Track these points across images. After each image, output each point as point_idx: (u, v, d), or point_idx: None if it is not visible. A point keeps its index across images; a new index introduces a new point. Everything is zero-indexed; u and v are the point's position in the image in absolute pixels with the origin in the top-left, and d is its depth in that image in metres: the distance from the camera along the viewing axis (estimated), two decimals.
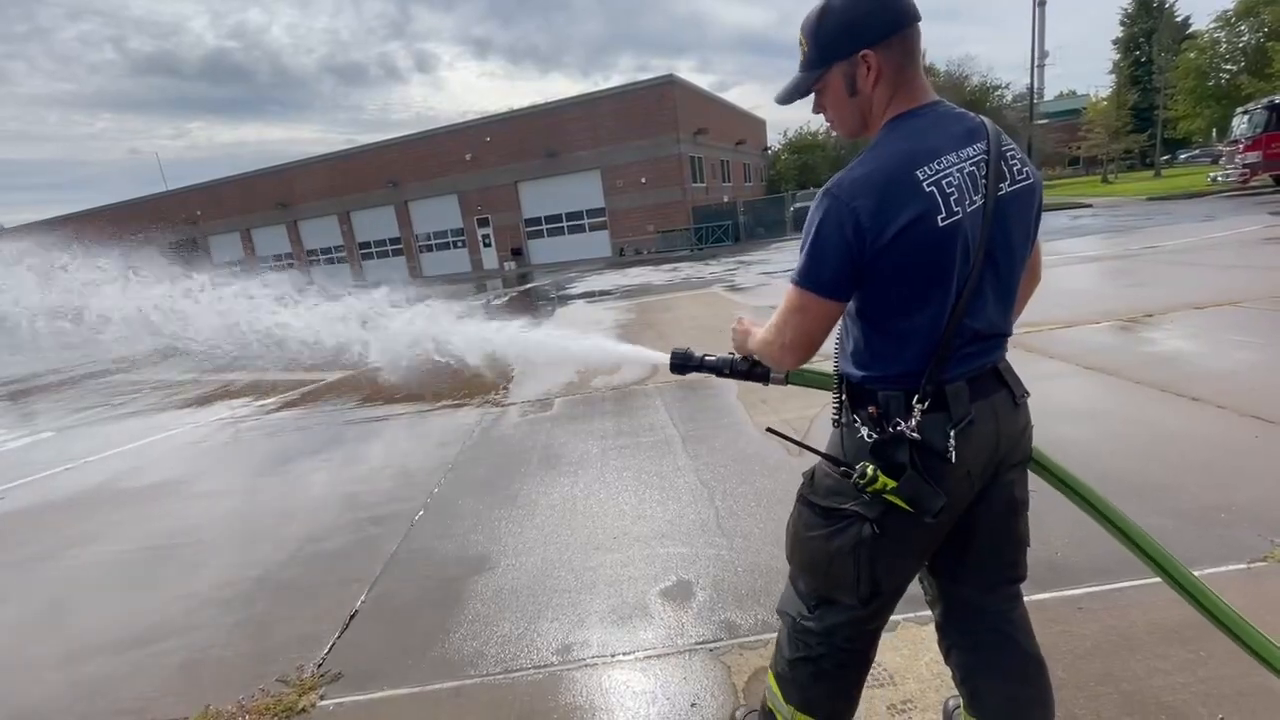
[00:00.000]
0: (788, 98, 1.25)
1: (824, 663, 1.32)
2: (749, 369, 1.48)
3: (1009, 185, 1.13)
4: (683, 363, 1.61)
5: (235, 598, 2.93)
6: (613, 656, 2.18)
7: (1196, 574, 1.33)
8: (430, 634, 2.43)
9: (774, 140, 45.59)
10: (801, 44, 1.19)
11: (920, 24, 1.13)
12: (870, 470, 1.11)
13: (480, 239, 31.21)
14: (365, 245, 34.19)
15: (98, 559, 3.61)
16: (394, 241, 33.36)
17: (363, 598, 2.76)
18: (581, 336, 2.15)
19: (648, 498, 3.37)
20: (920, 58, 1.16)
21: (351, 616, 2.63)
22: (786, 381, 1.48)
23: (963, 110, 1.17)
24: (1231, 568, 2.17)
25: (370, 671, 2.26)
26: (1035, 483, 1.36)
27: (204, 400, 7.95)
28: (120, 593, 3.18)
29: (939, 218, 1.05)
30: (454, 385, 6.61)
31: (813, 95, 1.23)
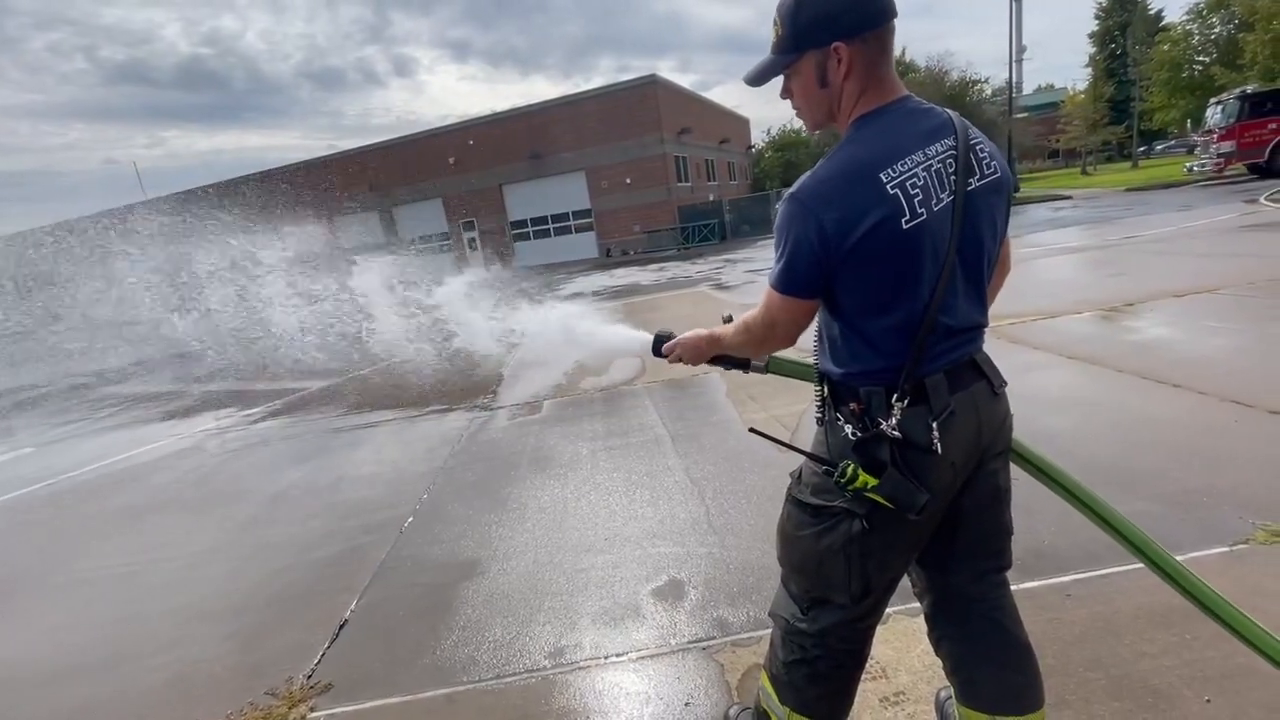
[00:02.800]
0: (757, 78, 1.24)
1: (819, 664, 1.32)
2: (731, 356, 1.49)
3: (978, 180, 1.13)
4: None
5: (223, 610, 2.89)
6: (605, 658, 2.17)
7: (1180, 558, 1.35)
8: (421, 641, 2.41)
9: (758, 138, 45.83)
10: (776, 24, 1.16)
11: (894, 23, 1.12)
12: (850, 469, 1.11)
13: (466, 242, 31.07)
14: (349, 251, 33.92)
15: (81, 576, 3.55)
16: (379, 248, 33.12)
17: (352, 606, 2.73)
18: (585, 317, 2.13)
19: (638, 498, 3.37)
20: (892, 55, 1.15)
21: (341, 626, 2.60)
22: (766, 370, 1.49)
23: (930, 105, 1.17)
24: (1214, 551, 2.19)
25: (361, 681, 2.24)
26: (1018, 473, 1.37)
27: (188, 412, 7.84)
28: (105, 608, 3.12)
29: (903, 220, 1.05)
30: (441, 390, 6.57)
31: (782, 80, 1.22)
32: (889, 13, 1.11)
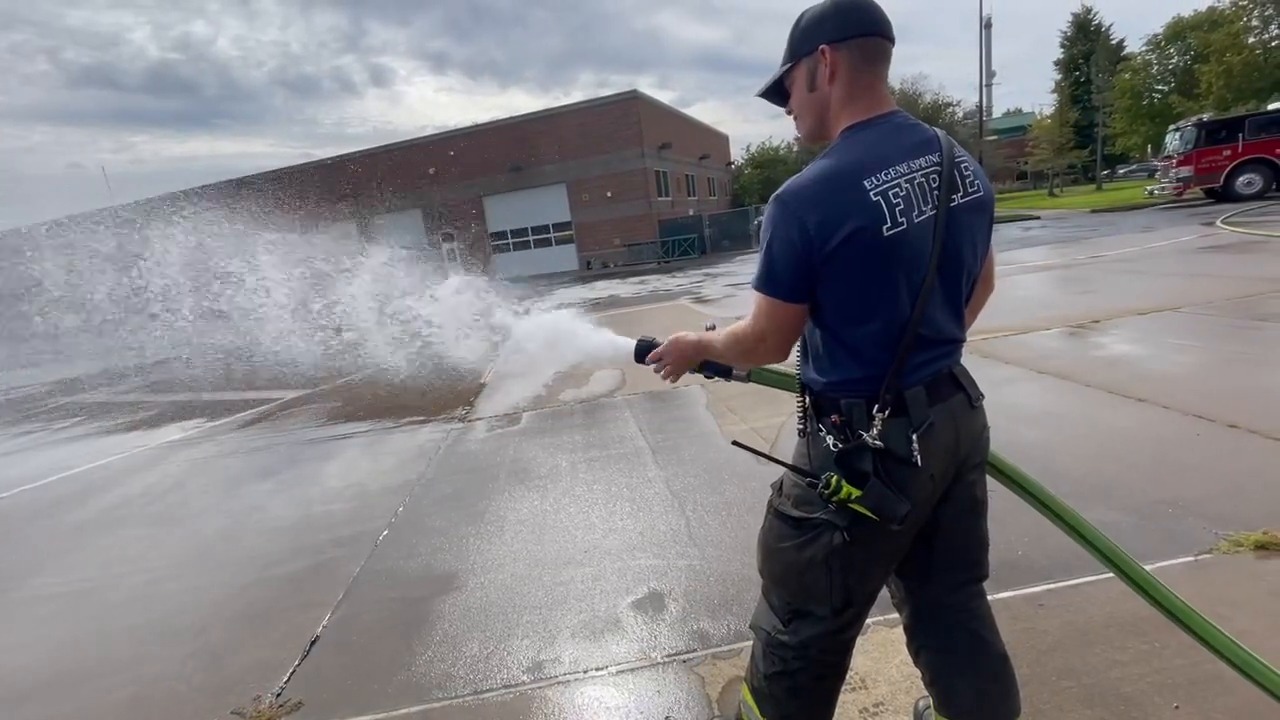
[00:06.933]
0: (764, 90, 1.32)
1: (800, 677, 1.32)
2: (713, 362, 1.50)
3: (961, 197, 1.15)
4: (648, 352, 1.60)
5: (187, 627, 2.79)
6: (585, 672, 2.14)
7: (1148, 567, 1.38)
8: (396, 657, 2.35)
9: (737, 155, 46.50)
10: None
11: (888, 44, 1.17)
12: (834, 480, 1.12)
13: (445, 253, 30.84)
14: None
15: (38, 592, 3.40)
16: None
17: (324, 622, 2.66)
18: (564, 318, 2.12)
19: (618, 510, 3.35)
20: (884, 72, 1.19)
21: (313, 642, 2.53)
22: (748, 379, 1.49)
23: (919, 122, 1.20)
24: (1180, 560, 2.25)
25: (333, 699, 2.18)
26: (993, 484, 1.40)
27: (154, 422, 7.61)
28: (63, 626, 2.99)
29: (884, 227, 1.07)
30: (419, 401, 6.48)
31: (790, 99, 1.28)
32: (877, 26, 1.15)
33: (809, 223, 1.07)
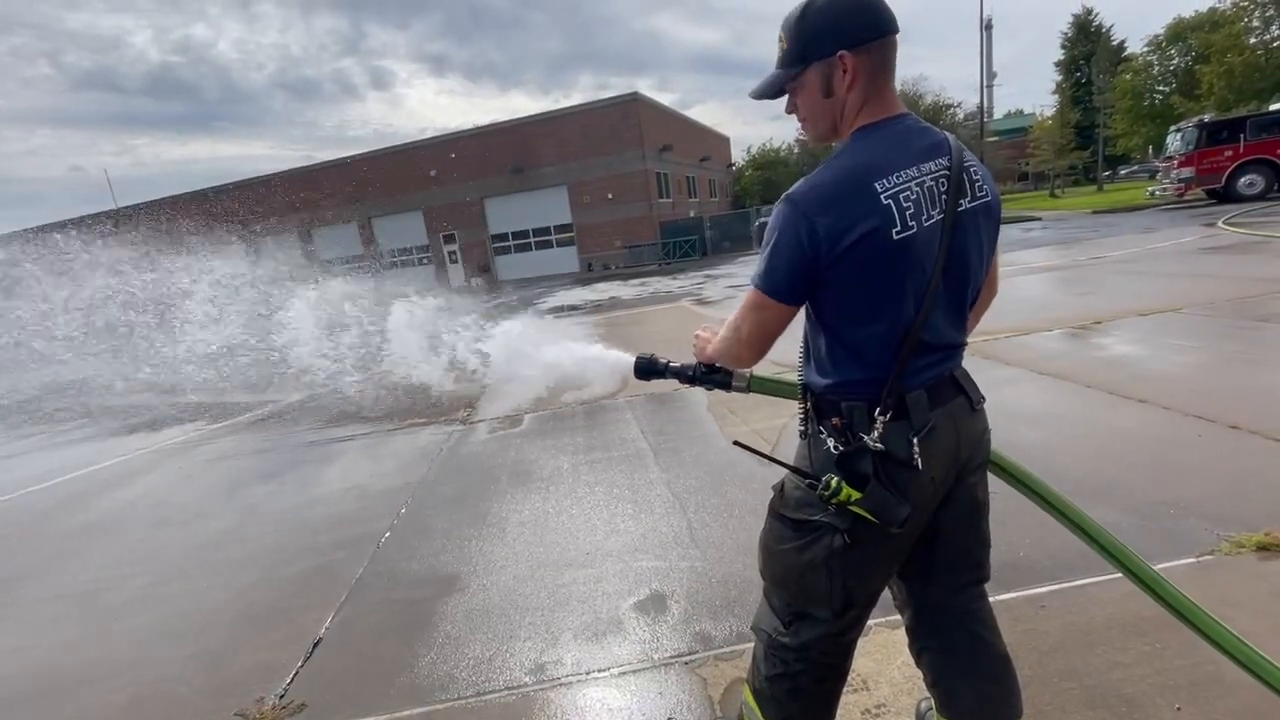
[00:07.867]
0: (763, 92, 1.25)
1: (801, 679, 1.32)
2: (711, 375, 1.50)
3: (969, 201, 1.15)
4: (647, 368, 1.62)
5: (189, 629, 2.80)
6: (587, 674, 2.14)
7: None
8: (398, 659, 2.36)
9: (738, 157, 46.50)
10: (780, 40, 1.18)
11: (897, 38, 1.14)
12: (835, 482, 1.12)
13: (447, 255, 30.89)
14: (328, 263, 33.42)
15: (38, 595, 3.41)
16: (357, 259, 32.76)
17: (327, 623, 2.67)
18: (555, 339, 2.14)
19: (620, 511, 3.35)
20: (894, 69, 1.17)
21: (315, 644, 2.54)
22: (748, 389, 1.49)
23: (928, 125, 1.19)
24: (1182, 561, 2.25)
25: (335, 701, 2.18)
26: (995, 485, 1.40)
27: (156, 424, 7.63)
28: (62, 629, 3.00)
29: (894, 230, 1.06)
30: (420, 403, 6.49)
31: (787, 96, 1.23)
32: (891, 25, 1.13)
33: (818, 226, 1.06)
